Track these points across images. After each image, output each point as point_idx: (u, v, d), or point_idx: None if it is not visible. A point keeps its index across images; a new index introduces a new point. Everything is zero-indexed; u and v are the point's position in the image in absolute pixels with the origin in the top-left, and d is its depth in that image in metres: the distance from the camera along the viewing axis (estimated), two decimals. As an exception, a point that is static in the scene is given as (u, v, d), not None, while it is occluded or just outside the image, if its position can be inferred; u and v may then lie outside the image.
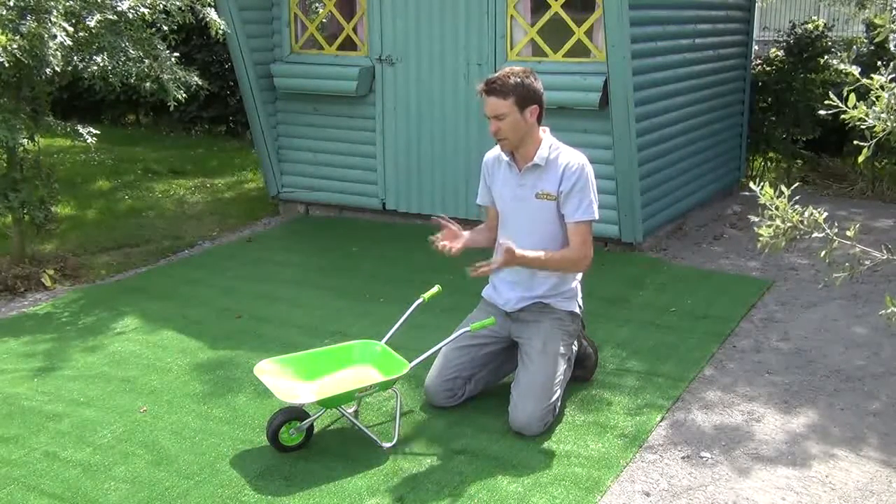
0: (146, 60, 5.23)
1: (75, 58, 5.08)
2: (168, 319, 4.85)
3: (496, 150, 3.82)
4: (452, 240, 3.66)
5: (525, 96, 3.52)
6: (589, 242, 3.65)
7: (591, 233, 3.67)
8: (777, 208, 2.48)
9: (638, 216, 5.86)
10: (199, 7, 5.45)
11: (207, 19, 5.48)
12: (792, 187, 2.55)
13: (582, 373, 4.00)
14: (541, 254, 3.59)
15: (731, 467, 3.35)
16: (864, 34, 8.60)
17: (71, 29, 4.80)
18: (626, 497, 3.17)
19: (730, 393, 3.96)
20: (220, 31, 5.57)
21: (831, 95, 2.37)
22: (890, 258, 2.54)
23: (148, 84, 5.33)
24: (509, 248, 3.49)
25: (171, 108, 5.60)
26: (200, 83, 5.66)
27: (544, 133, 3.67)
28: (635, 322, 4.79)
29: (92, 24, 4.92)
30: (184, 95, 5.53)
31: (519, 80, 3.51)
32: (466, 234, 3.78)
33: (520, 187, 3.69)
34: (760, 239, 2.55)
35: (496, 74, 3.58)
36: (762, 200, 2.51)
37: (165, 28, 5.48)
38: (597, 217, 3.66)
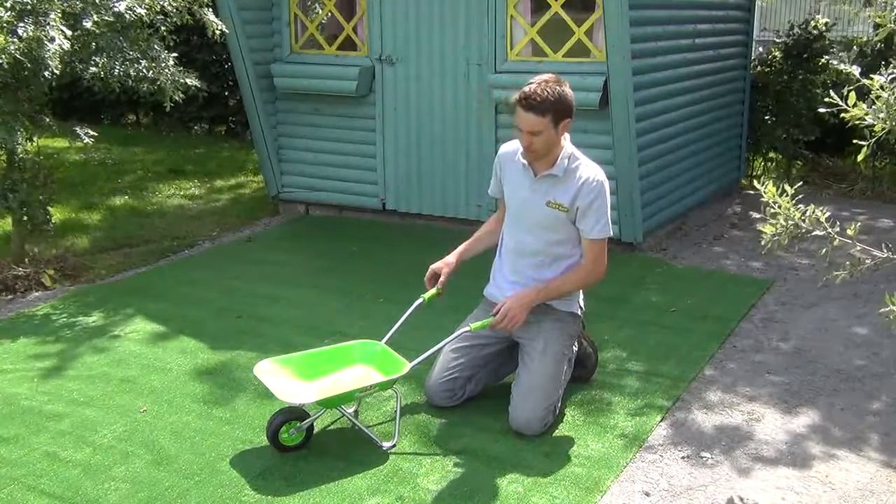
0: (143, 62, 5.22)
1: (74, 59, 5.08)
2: (168, 319, 4.85)
3: (513, 145, 3.74)
4: (435, 282, 3.79)
5: (561, 110, 3.43)
6: (601, 258, 3.63)
7: (606, 248, 3.65)
8: (780, 206, 2.48)
9: (638, 216, 5.86)
10: (196, 8, 5.44)
11: (205, 20, 5.47)
12: (795, 186, 2.56)
13: (582, 373, 4.00)
14: (545, 284, 3.61)
15: (732, 467, 3.35)
16: (872, 33, 8.59)
17: (70, 32, 4.80)
18: (626, 497, 3.17)
19: (730, 393, 3.96)
20: (218, 32, 5.56)
21: (832, 94, 2.37)
22: (890, 257, 2.54)
23: (145, 86, 5.32)
24: (514, 303, 3.55)
25: (168, 110, 5.58)
26: (199, 85, 5.64)
27: (565, 140, 3.58)
28: (635, 322, 4.79)
29: (89, 25, 4.91)
30: (181, 96, 5.51)
31: (557, 94, 3.42)
32: (452, 257, 3.84)
33: (532, 192, 3.62)
34: (764, 237, 2.55)
35: (532, 87, 3.42)
36: (766, 198, 2.51)
37: (163, 28, 5.47)
38: (611, 234, 3.65)
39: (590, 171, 3.57)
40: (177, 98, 5.46)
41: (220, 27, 5.56)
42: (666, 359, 4.30)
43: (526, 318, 3.58)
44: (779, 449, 3.49)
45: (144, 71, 5.22)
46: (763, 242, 2.58)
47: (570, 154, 3.58)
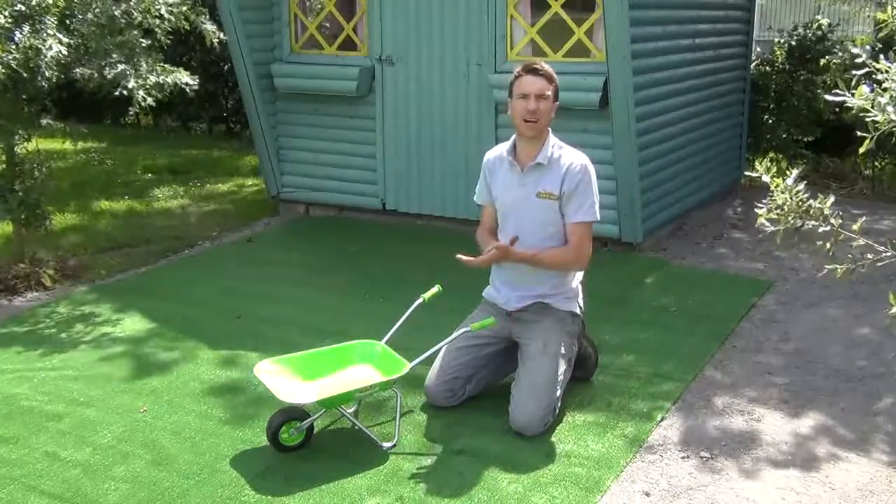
0: (122, 66, 5.15)
1: (72, 61, 5.06)
2: (168, 319, 4.85)
3: (497, 150, 3.85)
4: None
5: (557, 89, 3.70)
6: (586, 242, 3.68)
7: (591, 233, 3.70)
8: (782, 191, 2.46)
9: (638, 216, 5.86)
10: (193, 17, 5.40)
11: (201, 28, 5.43)
12: (797, 171, 2.54)
13: (582, 373, 4.00)
14: (534, 251, 3.65)
15: (732, 467, 3.35)
16: (871, 32, 8.60)
17: (66, 40, 4.78)
18: (626, 497, 3.17)
19: (730, 393, 3.96)
20: (216, 40, 5.52)
21: (839, 83, 2.35)
22: (894, 255, 2.53)
23: (130, 84, 5.24)
24: (500, 244, 3.58)
25: (135, 112, 5.49)
26: (190, 81, 5.56)
27: (548, 133, 3.71)
28: (635, 322, 4.79)
29: (83, 28, 4.89)
30: (152, 103, 5.40)
31: (556, 75, 3.71)
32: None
33: (521, 187, 3.69)
34: (763, 223, 2.51)
35: (535, 62, 3.72)
36: (767, 179, 2.48)
37: (159, 31, 5.42)
38: (598, 218, 3.69)
39: (573, 157, 3.69)
40: (144, 105, 5.37)
41: (218, 36, 5.53)
42: (666, 359, 4.30)
43: (520, 317, 3.67)
44: (779, 449, 3.48)
45: (128, 74, 5.15)
46: (758, 224, 2.53)
47: (555, 143, 3.72)
